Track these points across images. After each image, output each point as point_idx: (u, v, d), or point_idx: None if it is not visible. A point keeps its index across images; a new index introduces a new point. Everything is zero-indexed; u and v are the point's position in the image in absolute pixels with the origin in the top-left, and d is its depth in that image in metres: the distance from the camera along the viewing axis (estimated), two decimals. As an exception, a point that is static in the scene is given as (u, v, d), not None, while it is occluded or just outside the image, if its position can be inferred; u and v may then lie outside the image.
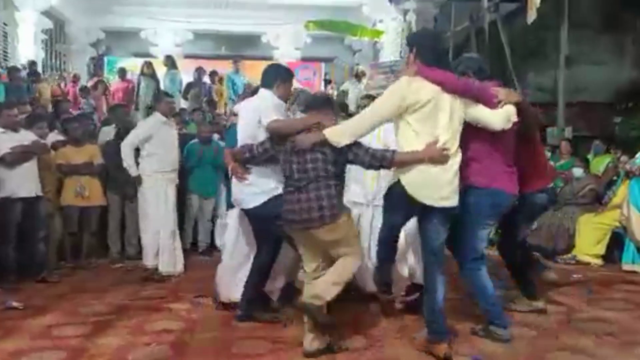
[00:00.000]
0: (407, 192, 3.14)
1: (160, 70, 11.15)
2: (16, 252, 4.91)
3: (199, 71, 11.21)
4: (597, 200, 6.28)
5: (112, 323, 3.87)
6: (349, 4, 14.63)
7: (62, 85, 11.92)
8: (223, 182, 6.36)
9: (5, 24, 12.73)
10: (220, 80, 11.50)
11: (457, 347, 3.32)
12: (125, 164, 5.31)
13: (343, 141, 3.16)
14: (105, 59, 15.86)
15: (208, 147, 6.32)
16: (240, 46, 16.31)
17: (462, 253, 3.52)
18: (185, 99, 10.75)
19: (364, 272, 3.81)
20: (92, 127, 7.07)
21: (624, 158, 6.57)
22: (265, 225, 3.67)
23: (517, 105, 3.37)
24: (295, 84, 4.42)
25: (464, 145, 3.26)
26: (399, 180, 3.19)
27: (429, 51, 3.26)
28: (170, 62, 11.26)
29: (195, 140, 6.39)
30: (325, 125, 3.25)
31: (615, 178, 6.22)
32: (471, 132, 3.30)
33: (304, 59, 16.11)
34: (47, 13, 13.89)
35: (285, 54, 15.77)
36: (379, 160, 3.19)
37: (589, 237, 5.91)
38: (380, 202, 3.93)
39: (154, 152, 5.31)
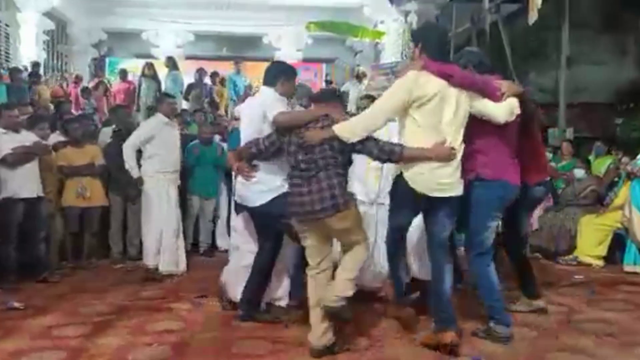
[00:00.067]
0: (411, 186, 3.16)
1: (162, 72, 11.18)
2: (17, 252, 4.91)
3: (200, 72, 11.23)
4: (599, 202, 6.27)
5: (112, 323, 3.87)
6: (350, 5, 14.64)
7: (65, 85, 11.95)
8: (224, 182, 6.39)
9: (7, 25, 12.75)
10: (222, 81, 11.51)
11: (457, 348, 3.32)
12: (127, 166, 5.33)
13: (353, 138, 3.16)
14: (107, 60, 15.91)
15: (209, 148, 6.33)
16: (241, 47, 16.31)
17: (471, 246, 3.53)
18: (187, 100, 10.76)
19: (364, 271, 3.80)
20: (92, 128, 7.08)
21: (625, 159, 6.57)
22: (269, 223, 3.66)
23: (519, 96, 3.40)
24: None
25: (469, 138, 3.29)
26: (401, 174, 3.21)
27: (434, 45, 3.30)
28: (171, 63, 11.29)
29: (196, 141, 6.39)
30: (334, 118, 3.26)
31: (616, 179, 6.21)
32: (476, 125, 3.32)
33: (305, 60, 16.11)
34: (48, 14, 13.92)
35: (287, 55, 15.75)
36: (388, 153, 3.18)
37: (591, 238, 5.90)
38: (383, 200, 3.96)
39: (155, 153, 5.32)
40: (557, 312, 4.11)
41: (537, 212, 6.31)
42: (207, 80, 11.38)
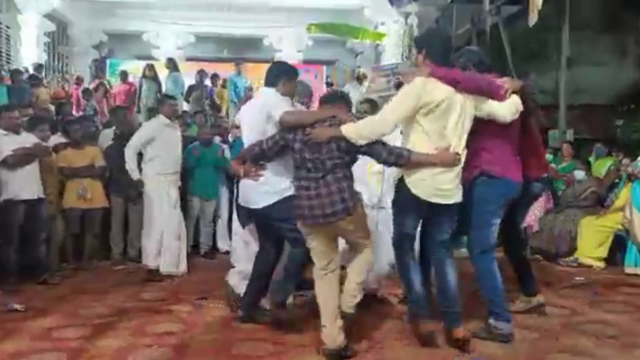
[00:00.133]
0: (412, 192, 3.18)
1: (162, 73, 11.18)
2: (17, 254, 4.91)
3: (201, 74, 11.23)
4: (599, 203, 6.27)
5: (113, 325, 3.87)
6: (350, 7, 14.64)
7: (66, 87, 11.95)
8: (224, 183, 6.39)
9: (7, 27, 12.76)
10: (224, 84, 11.52)
11: (456, 350, 3.32)
12: (127, 167, 5.34)
13: (359, 140, 3.17)
14: (108, 61, 15.91)
15: (209, 149, 6.33)
16: (242, 49, 16.30)
17: (475, 244, 3.54)
18: (187, 101, 10.77)
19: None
20: (93, 129, 7.08)
21: (625, 161, 6.57)
22: (272, 225, 3.64)
23: (520, 91, 3.44)
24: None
25: (473, 136, 3.31)
26: (403, 179, 3.22)
27: (438, 51, 3.33)
28: (172, 64, 11.29)
29: (196, 142, 6.39)
30: (342, 118, 3.26)
31: (617, 181, 6.22)
32: (480, 123, 3.35)
33: (306, 62, 16.10)
34: (49, 16, 13.93)
35: (287, 56, 15.70)
36: (395, 157, 3.18)
37: (591, 239, 5.89)
38: (384, 204, 3.97)
39: (156, 155, 5.33)
40: (557, 314, 4.11)
41: (538, 213, 6.32)
42: (208, 82, 11.39)
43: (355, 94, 11.06)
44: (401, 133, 3.41)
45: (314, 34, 14.95)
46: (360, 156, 3.35)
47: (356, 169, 3.43)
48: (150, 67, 11.00)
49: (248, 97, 9.13)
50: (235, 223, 4.17)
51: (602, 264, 5.79)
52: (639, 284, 5.15)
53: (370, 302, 4.13)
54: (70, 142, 5.79)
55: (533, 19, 8.63)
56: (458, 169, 3.25)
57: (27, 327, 3.84)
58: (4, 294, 4.59)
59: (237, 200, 3.90)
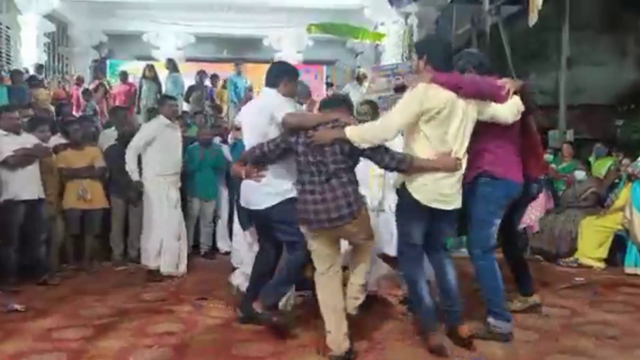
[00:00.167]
0: (414, 197, 3.19)
1: (162, 73, 11.19)
2: (18, 254, 4.92)
3: (201, 74, 11.24)
4: (599, 203, 6.27)
5: (113, 325, 3.87)
6: (350, 7, 14.64)
7: (67, 87, 11.95)
8: (224, 184, 6.39)
9: (7, 27, 12.77)
10: (224, 85, 11.52)
11: (457, 350, 3.32)
12: (127, 168, 5.34)
13: (362, 144, 3.17)
14: (108, 62, 15.93)
15: (208, 150, 6.33)
16: (242, 49, 16.31)
17: (475, 243, 3.55)
18: (187, 102, 10.78)
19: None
20: (93, 130, 7.08)
21: (625, 161, 6.56)
22: (272, 226, 3.61)
23: (520, 90, 3.45)
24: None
25: (475, 137, 3.32)
26: (404, 186, 3.23)
27: (439, 57, 3.33)
28: (171, 65, 11.30)
29: (196, 143, 6.38)
30: (344, 122, 3.25)
31: (617, 181, 6.21)
32: (482, 125, 3.36)
33: (306, 62, 16.10)
34: (49, 16, 13.94)
35: (287, 57, 15.66)
36: (397, 162, 3.18)
37: (591, 240, 5.89)
38: (386, 207, 3.99)
39: (156, 156, 5.34)
40: (558, 314, 4.11)
41: (538, 214, 6.32)
42: (208, 82, 11.40)
43: (356, 94, 11.07)
44: (402, 135, 3.42)
45: (313, 34, 14.94)
46: (362, 159, 3.35)
47: (358, 171, 3.44)
48: (150, 68, 11.00)
49: (248, 98, 9.14)
50: (236, 224, 4.17)
51: (602, 264, 5.79)
52: (639, 284, 5.15)
53: (371, 302, 4.12)
54: (70, 142, 5.79)
55: (533, 19, 8.62)
56: (459, 174, 3.26)
57: (28, 327, 3.84)
58: (4, 294, 4.59)
59: (238, 202, 3.89)
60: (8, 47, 12.74)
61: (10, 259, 4.88)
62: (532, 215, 6.25)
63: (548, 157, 7.40)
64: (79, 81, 12.00)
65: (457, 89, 3.19)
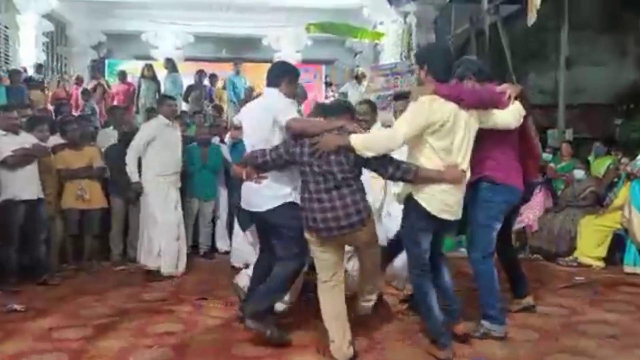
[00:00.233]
0: (424, 207, 3.18)
1: (161, 73, 11.18)
2: (17, 254, 4.91)
3: (200, 74, 11.24)
4: (598, 202, 6.27)
5: (113, 325, 3.87)
6: (349, 7, 14.63)
7: (67, 87, 11.94)
8: (222, 184, 6.38)
9: (6, 27, 12.74)
10: (223, 85, 11.50)
11: (456, 350, 3.32)
12: (127, 169, 5.34)
13: (366, 153, 3.15)
14: (106, 61, 15.91)
15: (207, 150, 6.30)
16: (240, 49, 16.29)
17: (476, 247, 3.57)
18: (186, 101, 10.77)
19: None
20: (91, 129, 7.07)
21: (624, 160, 6.56)
22: (272, 229, 3.58)
23: (519, 95, 3.47)
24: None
25: (477, 144, 3.32)
26: (411, 198, 3.23)
27: (440, 67, 3.30)
28: (170, 64, 11.29)
29: (195, 143, 6.37)
30: (349, 129, 3.23)
31: (616, 180, 6.21)
32: (483, 131, 3.36)
33: (305, 62, 16.08)
34: (48, 16, 13.90)
35: (286, 56, 15.66)
36: (403, 172, 3.16)
37: (590, 239, 5.89)
38: (385, 212, 3.99)
39: (156, 156, 5.34)
40: (557, 314, 4.11)
41: (537, 213, 6.33)
42: (207, 82, 11.39)
43: (354, 93, 11.09)
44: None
45: (312, 34, 14.93)
46: None
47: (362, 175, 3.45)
48: (149, 67, 10.99)
49: (248, 98, 9.13)
50: (237, 224, 4.17)
51: (601, 264, 5.79)
52: (638, 283, 5.15)
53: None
54: (68, 142, 5.77)
55: (532, 18, 8.62)
56: (463, 186, 3.28)
57: (28, 327, 3.84)
58: (4, 294, 4.59)
59: (238, 203, 3.89)
60: (7, 47, 12.72)
61: (10, 259, 4.88)
62: (531, 214, 6.26)
63: (547, 156, 7.42)
64: (79, 81, 11.99)
65: (459, 100, 3.18)
